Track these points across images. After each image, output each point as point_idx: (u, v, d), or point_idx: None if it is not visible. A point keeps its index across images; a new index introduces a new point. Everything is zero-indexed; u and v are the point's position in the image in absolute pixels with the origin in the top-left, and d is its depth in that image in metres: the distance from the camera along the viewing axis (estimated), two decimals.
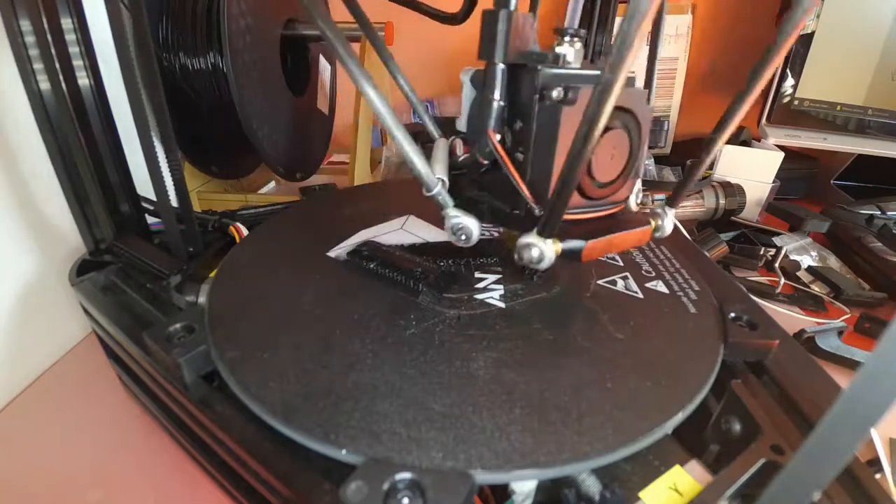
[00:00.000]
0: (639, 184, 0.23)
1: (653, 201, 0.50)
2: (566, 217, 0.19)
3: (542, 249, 0.18)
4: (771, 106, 0.57)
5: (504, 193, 0.20)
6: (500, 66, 0.18)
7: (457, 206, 0.20)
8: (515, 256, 0.19)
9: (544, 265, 0.19)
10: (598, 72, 0.18)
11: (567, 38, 0.18)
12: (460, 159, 0.22)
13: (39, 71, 0.26)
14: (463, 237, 0.20)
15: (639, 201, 0.23)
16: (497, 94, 0.18)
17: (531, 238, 0.18)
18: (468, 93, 0.21)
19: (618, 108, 0.18)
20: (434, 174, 0.19)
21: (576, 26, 0.19)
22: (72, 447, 0.26)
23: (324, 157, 0.58)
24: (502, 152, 0.19)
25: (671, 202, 0.22)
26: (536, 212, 0.19)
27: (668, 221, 0.22)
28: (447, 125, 0.27)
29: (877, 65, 0.54)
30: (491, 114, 0.19)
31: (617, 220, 0.21)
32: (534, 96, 0.18)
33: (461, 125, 0.22)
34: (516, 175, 0.19)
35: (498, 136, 0.19)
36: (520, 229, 0.19)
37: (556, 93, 0.18)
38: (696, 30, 0.64)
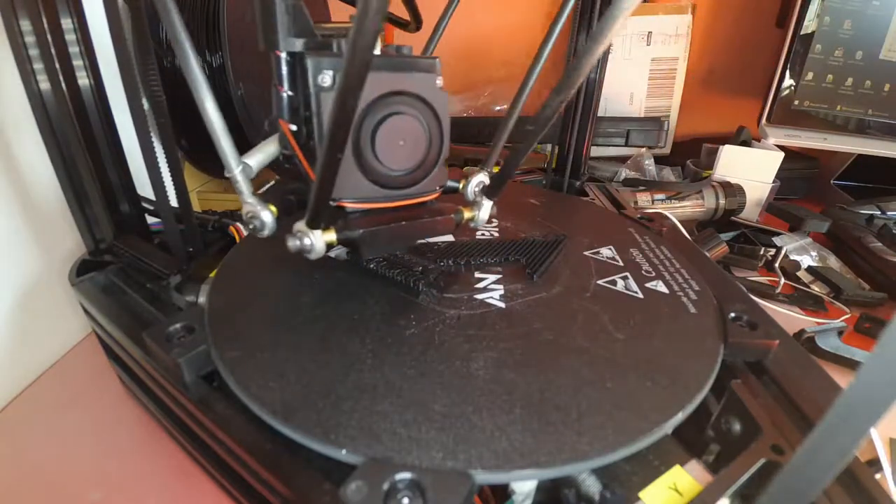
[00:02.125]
0: (481, 177, 0.23)
1: (653, 201, 0.50)
2: (364, 206, 0.19)
3: (312, 238, 0.18)
4: (771, 106, 0.57)
5: (307, 184, 0.20)
6: (283, 56, 0.18)
7: (256, 194, 0.20)
8: (287, 243, 0.19)
9: (314, 256, 0.19)
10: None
11: None
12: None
13: (39, 71, 0.26)
14: (251, 226, 0.20)
15: (477, 192, 0.23)
16: (285, 84, 0.19)
17: (300, 226, 0.18)
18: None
19: (400, 94, 0.19)
20: (241, 158, 0.19)
21: None
22: (72, 447, 0.26)
23: None
24: (292, 140, 0.19)
25: (489, 193, 0.22)
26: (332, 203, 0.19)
27: (485, 211, 0.22)
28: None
29: None
30: (281, 104, 0.19)
31: (417, 211, 0.21)
32: (308, 83, 0.18)
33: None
34: (304, 162, 0.19)
35: (294, 127, 0.19)
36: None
37: (323, 78, 0.18)
38: (696, 30, 0.64)
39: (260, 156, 0.20)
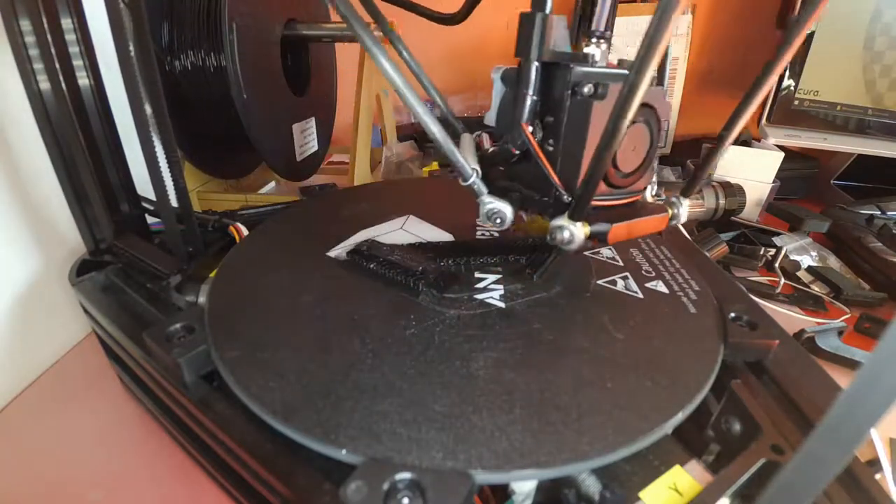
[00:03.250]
0: (654, 177, 0.24)
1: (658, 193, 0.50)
2: (593, 203, 0.20)
3: (573, 231, 0.20)
4: (771, 106, 0.57)
5: (534, 182, 0.22)
6: (535, 64, 0.19)
7: (489, 193, 0.21)
8: (548, 237, 0.20)
9: (573, 246, 0.20)
10: (624, 70, 0.20)
11: (595, 40, 0.20)
12: (489, 151, 0.23)
13: (39, 71, 0.26)
14: (498, 220, 0.21)
15: (654, 193, 0.24)
16: (531, 90, 0.20)
17: (562, 221, 0.20)
18: (498, 89, 0.23)
19: (642, 104, 0.20)
20: (468, 164, 0.21)
21: (602, 28, 0.21)
22: (72, 447, 0.26)
23: (324, 157, 0.58)
24: (534, 143, 0.21)
25: (685, 192, 0.23)
26: (565, 198, 0.21)
27: (683, 210, 0.23)
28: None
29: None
30: (525, 108, 0.20)
31: (637, 208, 0.22)
32: (566, 92, 0.20)
33: (489, 120, 0.24)
34: (547, 164, 0.21)
35: (530, 129, 0.21)
36: (549, 215, 0.21)
37: (587, 89, 0.19)
38: (696, 30, 0.64)
39: (475, 157, 0.22)
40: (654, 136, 0.21)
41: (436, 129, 0.19)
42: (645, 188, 0.23)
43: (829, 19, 0.54)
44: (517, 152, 0.21)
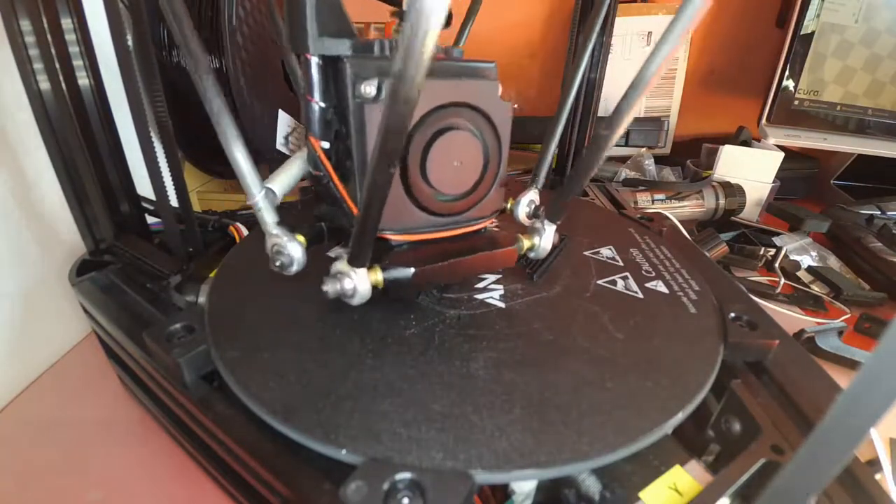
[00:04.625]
0: (532, 195, 0.19)
1: (653, 201, 0.50)
2: (409, 238, 0.16)
3: (355, 281, 0.15)
4: (771, 106, 0.57)
5: (341, 209, 0.17)
6: (315, 60, 0.15)
7: (281, 224, 0.16)
8: (325, 287, 0.16)
9: (357, 300, 0.16)
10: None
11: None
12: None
13: (39, 71, 0.26)
14: (278, 263, 0.17)
15: (529, 212, 0.19)
16: (317, 94, 0.16)
17: (341, 266, 0.15)
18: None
19: (458, 105, 0.16)
20: (264, 182, 0.16)
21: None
22: (71, 447, 0.26)
23: None
24: (325, 161, 0.16)
25: (550, 216, 0.19)
26: None
27: (546, 239, 0.19)
28: None
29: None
30: (312, 117, 0.16)
31: (472, 241, 0.18)
32: (346, 93, 0.15)
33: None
34: (340, 187, 0.16)
35: (326, 144, 0.16)
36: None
37: (367, 88, 0.15)
38: (696, 30, 0.64)
39: (284, 178, 0.17)
40: (488, 146, 0.16)
41: (228, 131, 0.15)
42: (494, 212, 0.18)
43: (830, 19, 0.54)
44: (319, 173, 0.17)
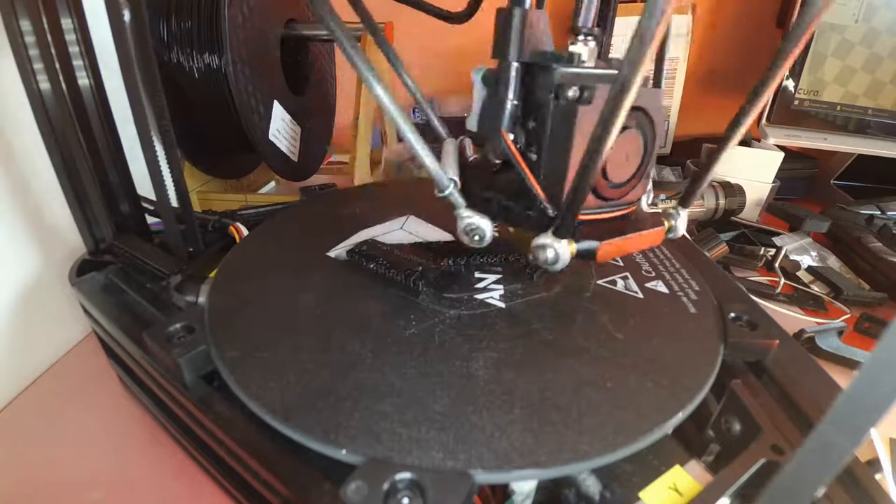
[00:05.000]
0: (650, 184, 0.22)
1: (655, 201, 0.50)
2: (580, 217, 0.19)
3: (558, 250, 0.18)
4: (771, 106, 0.57)
5: (516, 193, 0.20)
6: (515, 65, 0.18)
7: (469, 206, 0.19)
8: (530, 257, 0.19)
9: (559, 266, 0.18)
10: (614, 71, 0.18)
11: (581, 37, 0.18)
12: (471, 159, 0.21)
13: (39, 71, 0.26)
14: (476, 238, 0.19)
15: (650, 202, 0.23)
16: (511, 94, 0.18)
17: (546, 239, 0.18)
18: (479, 91, 0.21)
19: (632, 108, 0.18)
20: (446, 174, 0.19)
21: (590, 25, 0.18)
22: (72, 447, 0.26)
23: (324, 157, 0.58)
24: (515, 152, 0.19)
25: (683, 202, 0.21)
26: (550, 212, 0.19)
27: (682, 222, 0.21)
28: (450, 125, 0.27)
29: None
30: (504, 113, 0.19)
31: (630, 221, 0.21)
32: (549, 95, 0.18)
33: (471, 124, 0.21)
34: (530, 175, 0.19)
35: (511, 136, 0.19)
36: (533, 229, 0.19)
37: (571, 92, 0.17)
38: (696, 30, 0.64)
39: (455, 166, 0.20)
40: (648, 142, 0.19)
41: (411, 136, 0.17)
42: (639, 199, 0.21)
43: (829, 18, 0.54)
44: (498, 161, 0.20)
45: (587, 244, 0.18)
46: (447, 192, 0.19)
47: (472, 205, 0.20)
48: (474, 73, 0.21)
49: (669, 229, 0.21)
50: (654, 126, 0.19)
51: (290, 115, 0.46)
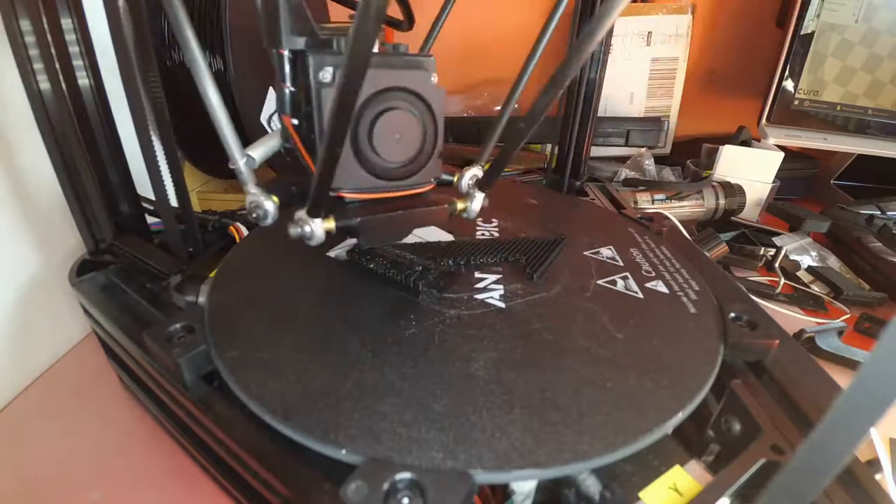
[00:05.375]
0: (475, 171, 0.24)
1: (653, 201, 0.50)
2: (353, 196, 0.20)
3: (312, 226, 0.19)
4: (771, 106, 0.57)
5: (306, 175, 0.21)
6: (285, 53, 0.19)
7: (259, 185, 0.20)
8: (289, 230, 0.20)
9: (314, 242, 0.19)
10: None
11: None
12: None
13: (39, 71, 0.26)
14: (255, 215, 0.20)
15: (471, 185, 0.24)
16: (287, 81, 0.19)
17: (300, 214, 0.19)
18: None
19: (397, 89, 0.20)
20: (245, 150, 0.20)
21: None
22: (72, 447, 0.26)
23: None
24: (294, 134, 0.20)
25: (482, 186, 0.23)
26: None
27: (476, 203, 0.23)
28: (450, 124, 0.27)
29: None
30: (284, 99, 0.20)
31: (412, 201, 0.22)
32: (309, 80, 0.19)
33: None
34: (305, 155, 0.20)
35: (295, 121, 0.20)
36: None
37: (326, 76, 0.19)
38: (696, 30, 0.64)
39: (262, 148, 0.21)
40: (426, 123, 0.20)
41: (213, 98, 0.18)
42: (431, 182, 0.22)
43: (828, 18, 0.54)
44: (289, 146, 0.21)
45: (348, 220, 0.20)
46: (237, 166, 0.19)
47: (280, 183, 0.21)
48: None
49: (463, 210, 0.23)
50: (432, 107, 0.21)
51: None
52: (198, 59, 0.17)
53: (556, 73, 0.17)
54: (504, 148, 0.21)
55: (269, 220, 0.20)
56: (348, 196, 0.21)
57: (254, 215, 0.20)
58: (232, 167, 0.19)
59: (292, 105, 0.20)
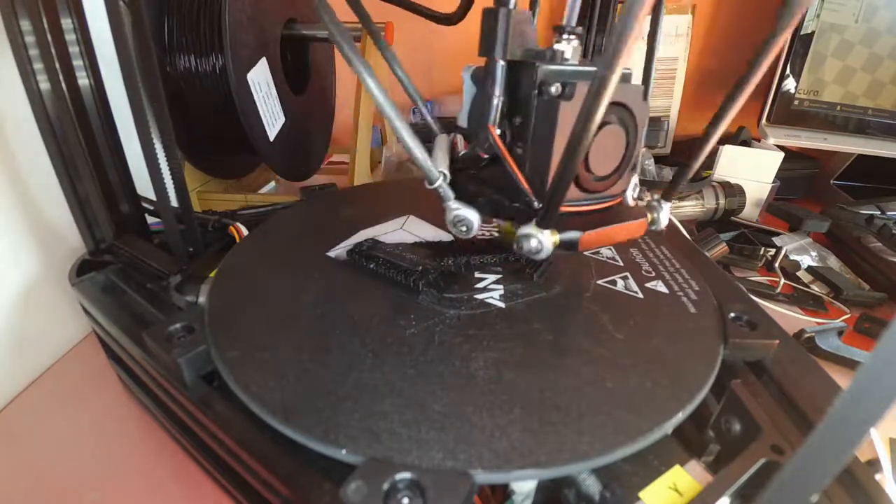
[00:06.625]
0: (635, 179, 0.23)
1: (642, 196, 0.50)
2: (564, 209, 0.20)
3: (541, 240, 0.19)
4: (771, 106, 0.57)
5: (503, 187, 0.21)
6: (501, 63, 0.19)
7: (457, 199, 0.20)
8: (515, 247, 0.19)
9: (542, 255, 0.19)
10: (594, 68, 0.19)
11: (565, 36, 0.19)
12: (461, 154, 0.22)
13: (39, 71, 0.26)
14: (464, 228, 0.20)
15: (635, 196, 0.23)
16: (497, 90, 0.19)
17: (530, 229, 0.19)
18: (468, 89, 0.22)
19: (613, 104, 0.19)
20: (436, 167, 0.20)
21: (573, 24, 0.19)
22: (71, 447, 0.26)
23: (324, 157, 0.58)
24: (502, 146, 0.20)
25: (665, 196, 0.23)
26: (535, 204, 0.20)
27: (664, 214, 0.22)
28: (451, 125, 0.27)
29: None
30: (491, 109, 0.19)
31: (613, 213, 0.21)
32: (532, 92, 0.19)
33: (461, 121, 0.22)
34: (515, 168, 0.20)
35: (498, 131, 0.20)
36: (519, 222, 0.20)
37: (553, 88, 0.18)
38: (696, 30, 0.64)
39: (443, 159, 0.21)
40: (630, 137, 0.20)
41: (401, 127, 0.18)
42: (623, 192, 0.22)
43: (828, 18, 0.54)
44: (486, 156, 0.20)
45: (569, 234, 0.19)
46: (436, 185, 0.20)
47: (461, 197, 0.20)
48: (464, 72, 0.22)
49: (652, 221, 0.22)
50: (636, 121, 0.20)
51: (273, 81, 0.45)
52: (375, 90, 0.18)
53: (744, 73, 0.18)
54: (695, 151, 0.20)
55: (473, 232, 0.20)
56: (562, 209, 0.20)
57: (463, 228, 0.20)
58: (430, 187, 0.20)
59: (498, 115, 0.19)
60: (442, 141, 0.23)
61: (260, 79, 0.42)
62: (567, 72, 0.19)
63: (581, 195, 0.20)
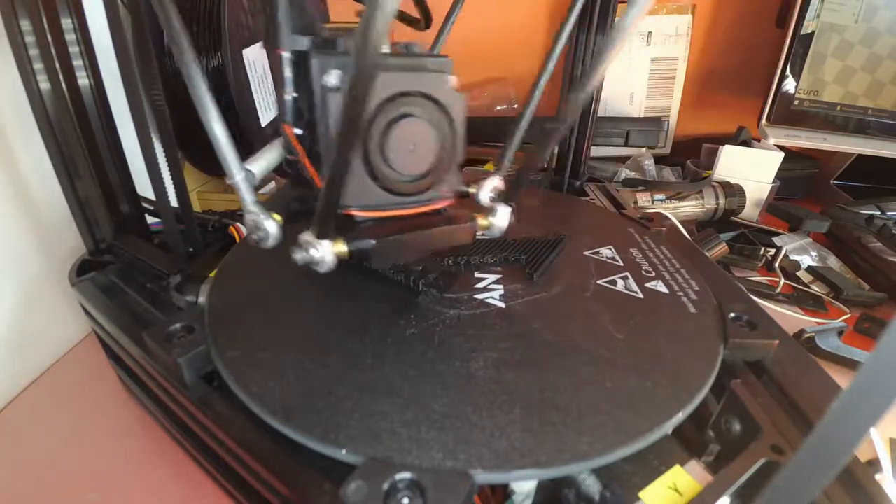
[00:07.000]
0: (495, 181, 0.21)
1: (653, 201, 0.50)
2: (373, 214, 0.18)
3: (320, 250, 0.17)
4: (771, 106, 0.57)
5: (312, 191, 0.19)
6: (287, 55, 0.17)
7: (271, 208, 0.18)
8: (293, 255, 0.17)
9: (323, 268, 0.17)
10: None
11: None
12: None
13: (39, 71, 0.26)
14: (256, 237, 0.18)
15: (492, 197, 0.21)
16: (288, 86, 0.17)
17: (307, 237, 0.17)
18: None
19: (412, 94, 0.17)
20: (244, 164, 0.18)
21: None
22: (71, 447, 0.26)
23: None
24: (297, 145, 0.18)
25: (506, 197, 0.21)
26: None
27: (500, 218, 0.20)
28: None
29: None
30: (285, 107, 0.18)
31: (431, 218, 0.19)
32: (312, 84, 0.17)
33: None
34: (310, 168, 0.18)
35: (298, 131, 0.18)
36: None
37: (329, 78, 0.16)
38: (695, 30, 0.64)
39: (263, 161, 0.19)
40: (443, 132, 0.18)
41: (210, 110, 0.17)
42: (450, 194, 0.20)
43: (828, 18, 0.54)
44: (292, 158, 0.18)
45: (361, 242, 0.17)
46: (234, 181, 0.18)
47: (274, 207, 0.19)
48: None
49: (487, 227, 0.20)
50: (451, 114, 0.18)
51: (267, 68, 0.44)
52: (190, 62, 0.16)
53: (583, 72, 0.16)
54: (528, 154, 0.19)
55: (272, 242, 0.18)
56: (359, 214, 0.18)
57: (255, 237, 0.18)
58: (229, 182, 0.18)
59: (294, 112, 0.18)
60: (278, 142, 0.20)
61: (255, 58, 0.42)
62: (345, 61, 0.17)
63: (392, 198, 0.18)
